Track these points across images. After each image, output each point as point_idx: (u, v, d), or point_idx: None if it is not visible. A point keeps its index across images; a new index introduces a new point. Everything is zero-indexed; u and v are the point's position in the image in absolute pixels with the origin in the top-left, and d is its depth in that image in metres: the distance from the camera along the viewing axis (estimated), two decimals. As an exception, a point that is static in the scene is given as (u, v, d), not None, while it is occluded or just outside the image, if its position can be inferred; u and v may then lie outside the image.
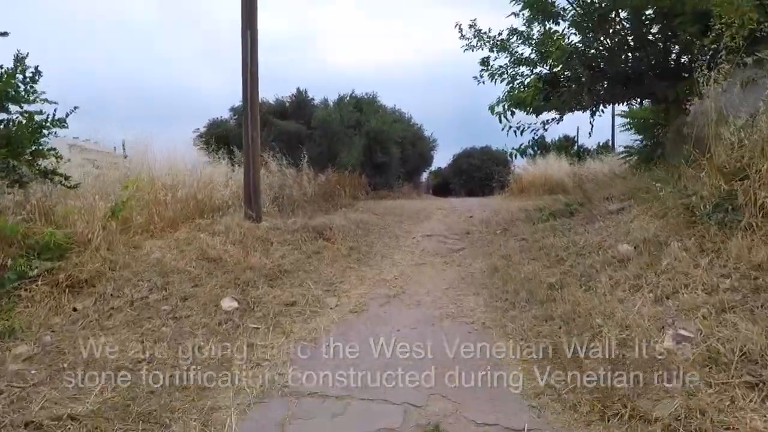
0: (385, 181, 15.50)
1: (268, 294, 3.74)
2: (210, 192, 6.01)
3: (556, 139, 34.21)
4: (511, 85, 7.16)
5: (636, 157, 10.02)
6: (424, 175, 34.29)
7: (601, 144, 33.98)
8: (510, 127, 6.93)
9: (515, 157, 7.90)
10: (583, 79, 6.27)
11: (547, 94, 6.84)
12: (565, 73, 6.80)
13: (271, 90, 21.85)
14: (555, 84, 6.81)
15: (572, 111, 6.94)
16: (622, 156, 15.41)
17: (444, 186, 32.70)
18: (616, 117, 16.99)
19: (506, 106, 6.76)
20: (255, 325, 3.19)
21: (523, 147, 7.45)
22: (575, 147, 34.36)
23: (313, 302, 3.68)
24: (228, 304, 3.42)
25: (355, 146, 15.27)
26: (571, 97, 6.47)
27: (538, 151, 31.29)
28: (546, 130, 7.39)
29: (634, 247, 3.42)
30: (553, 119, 7.33)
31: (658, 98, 6.34)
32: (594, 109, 7.87)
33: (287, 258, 4.63)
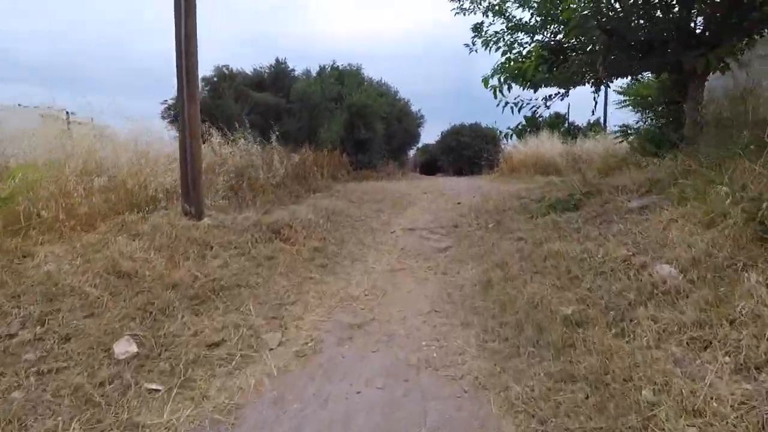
0: (368, 160, 14.44)
1: (187, 327, 2.77)
2: (145, 179, 4.92)
3: (547, 116, 33.38)
4: (507, 54, 6.13)
5: (635, 138, 9.19)
6: (411, 152, 33.25)
7: (591, 122, 33.24)
8: (506, 103, 5.93)
9: (510, 138, 6.90)
10: (598, 48, 5.26)
11: (551, 65, 5.84)
12: (572, 41, 5.79)
13: (260, 59, 20.09)
14: (560, 53, 5.80)
15: (581, 84, 5.95)
16: (617, 135, 14.57)
17: (432, 163, 31.67)
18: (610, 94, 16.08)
19: (502, 79, 5.74)
20: (154, 386, 2.24)
21: (520, 127, 6.47)
22: (566, 125, 33.54)
23: (248, 340, 2.73)
24: (123, 348, 2.45)
25: (336, 121, 14.11)
26: (581, 68, 5.47)
27: (529, 130, 30.33)
28: (548, 107, 6.41)
29: (681, 272, 2.52)
30: (556, 94, 6.34)
31: (682, 69, 5.37)
32: (603, 83, 6.93)
33: (228, 268, 3.66)
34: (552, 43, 5.88)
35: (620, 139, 15.15)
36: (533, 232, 4.72)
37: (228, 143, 10.01)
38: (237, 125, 13.89)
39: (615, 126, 17.02)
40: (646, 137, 8.29)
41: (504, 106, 5.79)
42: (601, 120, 31.86)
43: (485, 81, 5.66)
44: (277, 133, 10.75)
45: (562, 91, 6.28)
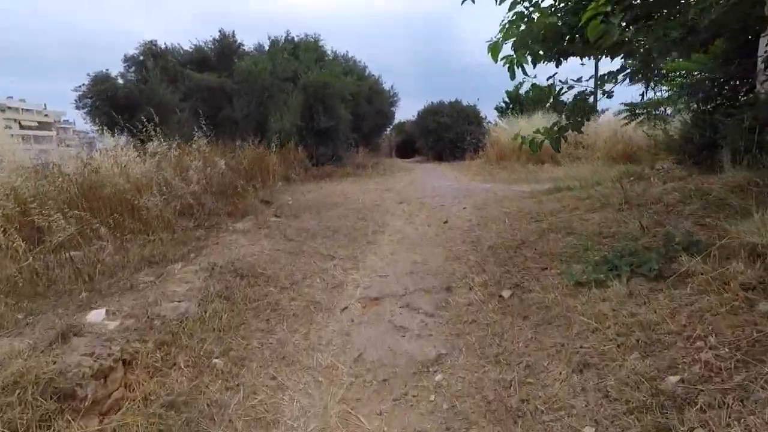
0: (331, 153, 11.97)
1: None
2: None
3: (530, 90, 31.16)
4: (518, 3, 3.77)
5: (679, 125, 7.12)
6: (388, 131, 30.63)
7: (577, 98, 31.24)
8: (530, 83, 3.62)
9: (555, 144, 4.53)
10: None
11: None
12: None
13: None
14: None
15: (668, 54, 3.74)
16: (624, 116, 12.49)
17: (409, 144, 29.16)
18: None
19: (528, 43, 3.39)
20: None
21: (564, 124, 4.22)
22: (551, 100, 31.42)
23: None
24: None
25: (290, 107, 11.54)
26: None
27: (512, 108, 28.13)
28: (607, 92, 4.19)
29: None
30: (619, 71, 4.12)
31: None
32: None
33: None
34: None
35: (626, 121, 12.98)
36: (596, 332, 2.48)
37: (142, 144, 7.53)
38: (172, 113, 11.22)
39: (620, 105, 14.97)
40: (696, 123, 6.15)
41: (526, 89, 3.50)
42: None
43: (493, 50, 3.29)
44: (204, 124, 8.24)
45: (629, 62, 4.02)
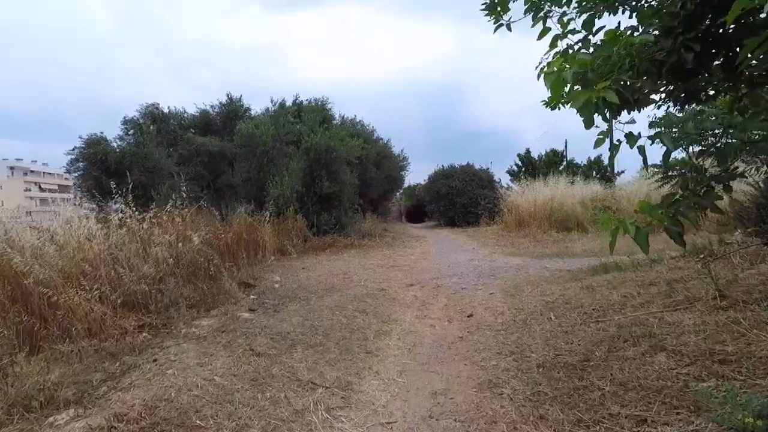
0: (334, 220, 10.87)
1: None
2: None
3: (543, 154, 30.70)
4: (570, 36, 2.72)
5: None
6: (398, 194, 29.89)
7: (592, 160, 30.64)
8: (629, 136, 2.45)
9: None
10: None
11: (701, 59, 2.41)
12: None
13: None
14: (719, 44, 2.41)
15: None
16: (658, 178, 11.36)
17: (419, 209, 28.24)
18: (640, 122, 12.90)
19: (621, 81, 2.20)
20: None
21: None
22: (564, 163, 30.80)
23: None
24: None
25: (291, 171, 10.65)
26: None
27: (524, 171, 27.40)
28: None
29: None
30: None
31: None
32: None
33: None
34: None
35: (660, 183, 11.78)
36: None
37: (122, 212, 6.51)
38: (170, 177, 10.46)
39: (648, 163, 13.94)
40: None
41: (614, 144, 2.24)
42: (602, 157, 29.22)
43: (555, 86, 2.15)
44: (202, 189, 7.26)
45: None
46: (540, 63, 3.31)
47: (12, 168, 77.53)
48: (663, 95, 2.48)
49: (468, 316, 4.58)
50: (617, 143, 2.13)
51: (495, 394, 2.82)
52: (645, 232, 1.81)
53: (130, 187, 6.81)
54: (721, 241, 5.90)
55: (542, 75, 3.31)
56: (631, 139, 2.02)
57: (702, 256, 5.46)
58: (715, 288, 3.71)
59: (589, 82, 2.18)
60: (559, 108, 5.77)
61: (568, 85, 2.25)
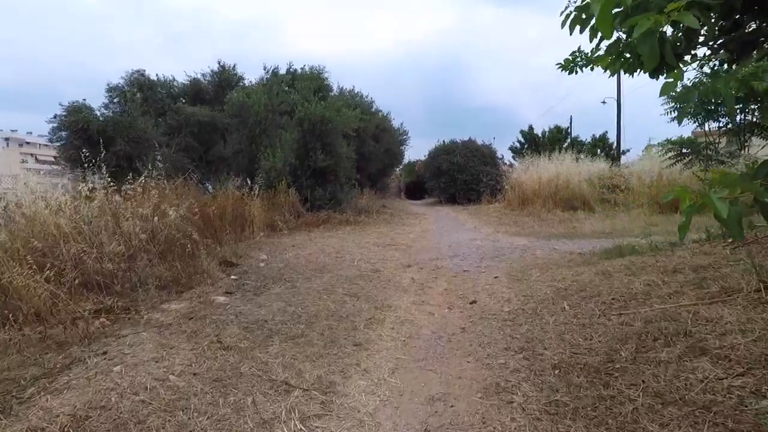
0: (330, 195, 10.33)
1: None
2: None
3: (546, 131, 29.88)
4: None
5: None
6: (397, 170, 29.21)
7: (597, 137, 29.83)
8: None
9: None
10: None
11: None
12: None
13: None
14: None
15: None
16: (669, 156, 10.78)
17: (419, 186, 27.66)
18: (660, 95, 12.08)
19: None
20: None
21: None
22: (568, 140, 30.01)
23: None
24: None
25: (283, 143, 10.05)
26: None
27: (526, 148, 26.66)
28: None
29: None
30: None
31: None
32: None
33: None
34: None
35: (671, 161, 11.21)
36: None
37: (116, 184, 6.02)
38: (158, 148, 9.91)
39: (656, 141, 13.30)
40: None
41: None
42: (608, 134, 28.46)
43: (603, 23, 1.60)
44: (192, 161, 6.72)
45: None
46: (566, 7, 2.76)
47: (7, 139, 76.38)
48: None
49: (470, 303, 4.11)
50: (691, 86, 1.60)
51: (504, 402, 2.36)
52: (738, 213, 1.27)
53: (102, 155, 6.38)
54: (750, 224, 5.40)
55: (568, 20, 2.77)
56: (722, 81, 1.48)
57: (730, 240, 4.98)
58: (758, 278, 3.23)
59: (650, 5, 1.62)
60: (577, 72, 5.09)
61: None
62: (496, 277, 4.89)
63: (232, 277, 4.64)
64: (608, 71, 3.70)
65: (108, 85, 12.18)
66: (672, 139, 11.88)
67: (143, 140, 10.90)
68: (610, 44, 3.20)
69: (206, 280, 4.35)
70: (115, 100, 12.28)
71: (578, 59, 4.91)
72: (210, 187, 11.89)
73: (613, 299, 3.69)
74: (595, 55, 3.63)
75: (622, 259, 5.07)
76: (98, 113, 10.92)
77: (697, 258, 4.49)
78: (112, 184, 5.80)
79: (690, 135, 13.63)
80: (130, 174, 7.92)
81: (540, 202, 12.45)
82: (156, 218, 5.01)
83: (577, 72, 5.03)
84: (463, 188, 17.78)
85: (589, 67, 4.82)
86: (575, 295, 3.96)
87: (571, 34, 2.96)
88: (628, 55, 3.37)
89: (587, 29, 2.97)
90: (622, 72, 3.88)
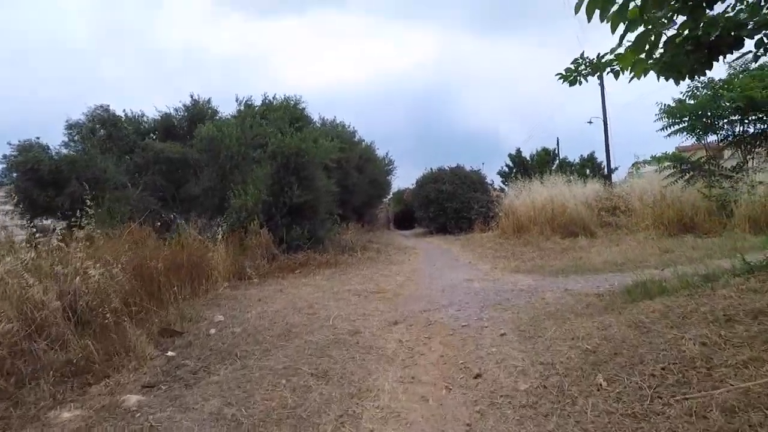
0: (309, 233, 9.39)
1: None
2: None
3: (534, 153, 29.52)
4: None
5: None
6: (386, 199, 28.43)
7: (584, 157, 29.54)
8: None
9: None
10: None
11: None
12: None
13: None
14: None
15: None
16: (671, 173, 10.13)
17: (408, 215, 26.86)
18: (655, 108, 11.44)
19: None
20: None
21: None
22: (557, 161, 29.66)
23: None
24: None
25: (256, 179, 9.18)
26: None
27: (515, 172, 26.13)
28: None
29: None
30: None
31: None
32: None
33: None
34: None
35: (673, 179, 10.67)
36: None
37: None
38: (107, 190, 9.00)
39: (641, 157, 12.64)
40: None
41: None
42: (596, 153, 28.18)
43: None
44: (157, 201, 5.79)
45: None
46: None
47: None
48: None
49: (475, 378, 3.16)
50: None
51: None
52: None
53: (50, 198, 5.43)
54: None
55: (584, 3, 2.01)
56: None
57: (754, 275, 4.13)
58: None
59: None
60: (581, 83, 4.36)
61: None
62: (502, 334, 3.95)
63: (169, 353, 3.63)
64: (630, 73, 2.92)
65: (67, 121, 11.31)
66: (658, 156, 11.24)
67: (102, 180, 9.95)
68: (639, 35, 2.41)
69: (130, 362, 3.33)
70: (75, 138, 11.39)
71: (581, 67, 4.16)
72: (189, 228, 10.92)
73: (663, 369, 2.77)
74: (616, 52, 2.85)
75: (651, 302, 4.17)
76: (53, 152, 9.97)
77: (746, 298, 3.62)
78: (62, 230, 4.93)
79: (674, 150, 13.08)
80: (80, 219, 6.95)
81: (537, 229, 11.64)
82: (78, 279, 4.03)
83: (580, 82, 4.29)
84: (453, 217, 16.96)
85: (596, 75, 4.07)
86: (610, 362, 3.02)
87: (589, 21, 2.19)
88: (660, 52, 2.58)
89: (609, 14, 2.19)
90: (627, 79, 3.10)
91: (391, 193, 25.65)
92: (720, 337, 2.97)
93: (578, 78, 4.18)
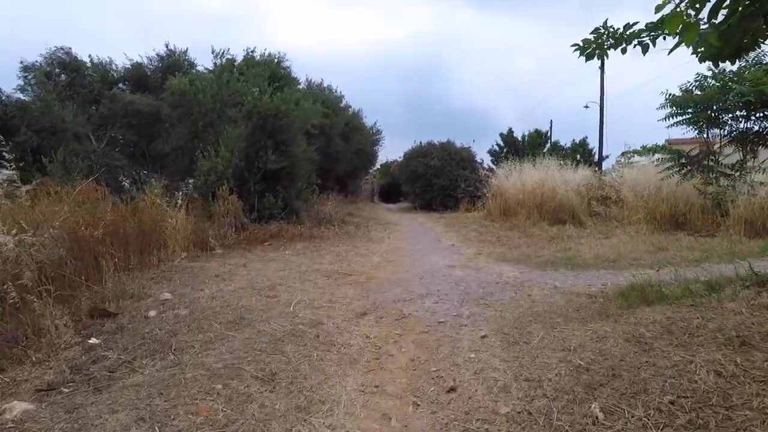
0: (284, 202, 8.77)
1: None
2: None
3: (526, 134, 28.91)
4: None
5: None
6: (372, 170, 27.69)
7: (576, 142, 29.08)
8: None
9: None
10: None
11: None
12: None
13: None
14: None
15: None
16: (667, 167, 9.68)
17: (394, 188, 26.23)
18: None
19: None
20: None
21: None
22: (548, 144, 29.17)
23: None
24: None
25: (228, 141, 8.43)
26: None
27: (506, 152, 25.57)
28: None
29: None
30: None
31: None
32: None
33: None
34: None
35: (668, 173, 10.06)
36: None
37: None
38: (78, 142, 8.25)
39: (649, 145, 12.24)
40: None
41: None
42: (588, 139, 27.77)
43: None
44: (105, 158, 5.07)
45: None
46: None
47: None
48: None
49: (448, 392, 2.69)
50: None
51: None
52: None
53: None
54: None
55: None
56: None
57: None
58: None
59: None
60: (600, 57, 3.80)
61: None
62: (483, 337, 3.48)
63: (91, 340, 3.06)
64: (675, 38, 2.31)
65: (22, 62, 10.22)
66: (648, 146, 10.77)
67: (60, 131, 9.07)
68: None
69: (37, 353, 2.76)
70: (32, 82, 10.35)
71: (603, 39, 3.56)
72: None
73: (672, 404, 2.32)
74: (663, 11, 2.25)
75: (650, 309, 3.74)
76: (3, 95, 9.00)
77: (761, 317, 3.20)
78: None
79: (664, 143, 12.66)
80: (35, 172, 6.29)
81: (524, 213, 11.21)
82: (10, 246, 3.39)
83: (600, 56, 3.70)
84: (439, 194, 16.44)
85: (620, 48, 3.48)
86: (607, 386, 2.57)
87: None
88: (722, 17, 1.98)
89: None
90: (665, 50, 2.55)
91: (377, 164, 24.92)
92: (737, 367, 2.53)
93: (596, 51, 3.60)
